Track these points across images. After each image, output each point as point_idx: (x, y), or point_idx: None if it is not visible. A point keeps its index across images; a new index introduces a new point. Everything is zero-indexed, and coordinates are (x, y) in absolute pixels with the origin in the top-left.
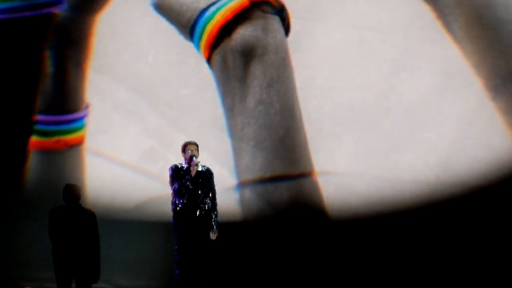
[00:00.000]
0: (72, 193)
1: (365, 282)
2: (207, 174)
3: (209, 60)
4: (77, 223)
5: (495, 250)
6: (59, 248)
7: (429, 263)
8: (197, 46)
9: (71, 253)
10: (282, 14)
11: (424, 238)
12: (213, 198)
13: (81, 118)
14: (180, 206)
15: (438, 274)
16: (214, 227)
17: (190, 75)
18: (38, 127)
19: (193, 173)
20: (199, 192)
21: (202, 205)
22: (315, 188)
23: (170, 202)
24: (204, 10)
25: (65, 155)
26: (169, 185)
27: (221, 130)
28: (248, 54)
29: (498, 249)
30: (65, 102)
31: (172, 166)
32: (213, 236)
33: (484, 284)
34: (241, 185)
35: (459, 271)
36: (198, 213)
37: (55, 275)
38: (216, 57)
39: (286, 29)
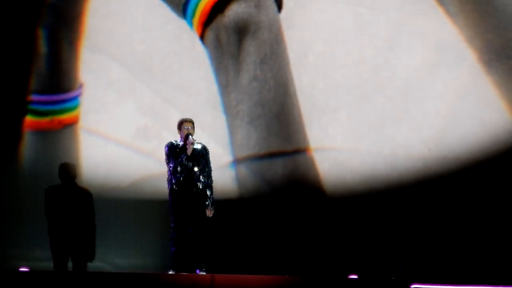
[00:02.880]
0: (68, 172)
1: (360, 257)
2: (203, 152)
3: (202, 37)
4: (73, 202)
5: (488, 223)
6: (55, 227)
7: (422, 237)
8: (190, 23)
9: (68, 231)
10: None
11: (418, 213)
12: (209, 175)
13: (75, 98)
14: (176, 183)
15: (431, 248)
16: (210, 204)
17: (183, 52)
18: (32, 107)
19: (189, 152)
20: (195, 169)
21: (198, 183)
22: (310, 164)
23: (165, 180)
24: None
25: (59, 134)
26: (165, 162)
27: (216, 107)
28: (241, 31)
29: (492, 222)
30: (59, 81)
31: (168, 143)
32: (209, 213)
33: (478, 257)
34: (236, 162)
35: (453, 245)
36: (194, 190)
37: (51, 254)
38: (209, 34)
39: (279, 5)
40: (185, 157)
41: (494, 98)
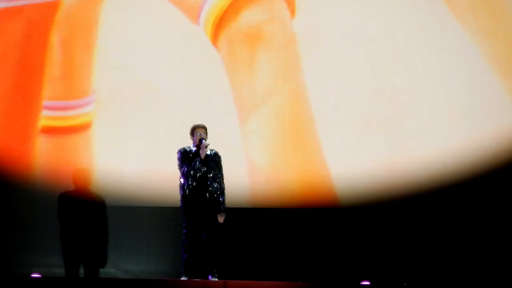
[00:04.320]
0: (81, 177)
1: (372, 263)
2: (216, 158)
3: (216, 44)
4: (86, 208)
5: (500, 231)
6: (67, 233)
7: (435, 243)
8: (204, 30)
9: (80, 238)
10: None
11: (431, 220)
12: (221, 182)
13: (88, 103)
14: (188, 189)
15: (443, 255)
16: (222, 210)
17: (197, 60)
18: (46, 112)
19: (202, 156)
20: (208, 175)
21: (210, 188)
22: (324, 172)
23: (177, 186)
24: None
25: (73, 140)
26: (177, 168)
27: (229, 115)
28: (254, 38)
29: (503, 230)
30: (73, 87)
31: (181, 149)
32: (220, 219)
33: (490, 264)
34: (249, 170)
35: (464, 252)
36: (206, 196)
37: (63, 260)
38: (223, 41)
39: (292, 12)
40: (198, 161)
41: (508, 107)
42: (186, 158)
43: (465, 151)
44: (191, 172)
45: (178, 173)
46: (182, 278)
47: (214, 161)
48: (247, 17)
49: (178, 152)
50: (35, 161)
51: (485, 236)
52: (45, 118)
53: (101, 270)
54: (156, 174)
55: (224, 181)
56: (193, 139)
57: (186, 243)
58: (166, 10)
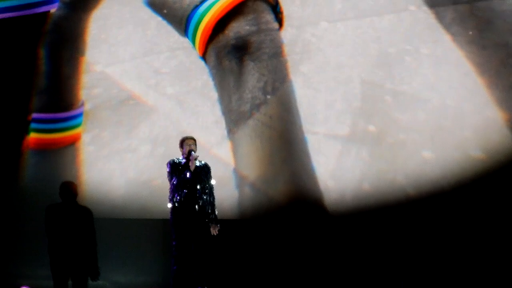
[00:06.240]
0: (69, 190)
1: (362, 273)
2: (205, 169)
3: (204, 55)
4: (74, 220)
5: (491, 239)
6: (55, 245)
7: (424, 253)
8: (192, 42)
9: (68, 250)
10: (276, 8)
11: (420, 229)
12: (211, 193)
13: (76, 116)
14: (178, 201)
15: (433, 264)
16: (213, 221)
17: (185, 70)
18: (34, 125)
19: (192, 167)
20: (197, 187)
21: (199, 200)
22: (312, 182)
23: (167, 198)
24: (198, 6)
25: (62, 152)
26: (167, 180)
27: (218, 125)
28: (242, 49)
29: (497, 242)
30: (61, 99)
31: (170, 161)
32: (214, 231)
33: (479, 272)
34: (239, 180)
35: (454, 262)
36: (196, 208)
37: (51, 273)
38: (211, 53)
39: (280, 23)
40: (188, 173)
41: (494, 114)
42: (175, 170)
43: (453, 160)
44: (181, 184)
45: (167, 185)
46: None
47: (203, 172)
48: (235, 29)
49: (167, 164)
50: (24, 173)
51: (474, 247)
52: (35, 130)
53: (89, 282)
54: (147, 186)
55: (215, 192)
56: (182, 151)
57: (176, 255)
58: (154, 22)
